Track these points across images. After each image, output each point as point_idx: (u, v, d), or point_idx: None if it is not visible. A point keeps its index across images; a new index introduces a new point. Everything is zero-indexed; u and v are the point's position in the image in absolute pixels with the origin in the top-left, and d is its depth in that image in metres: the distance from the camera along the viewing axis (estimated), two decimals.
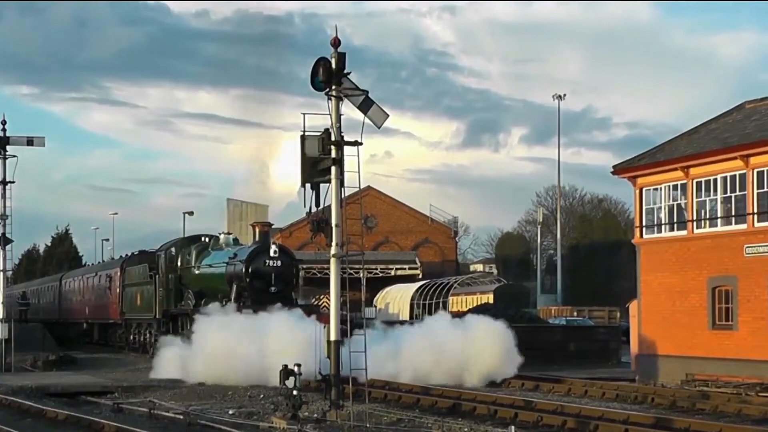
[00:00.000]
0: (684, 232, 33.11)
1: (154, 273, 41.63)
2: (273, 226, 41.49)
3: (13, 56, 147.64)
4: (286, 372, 20.82)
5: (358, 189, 22.14)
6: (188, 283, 39.45)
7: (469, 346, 31.13)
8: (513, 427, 18.53)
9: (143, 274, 43.61)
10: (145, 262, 43.74)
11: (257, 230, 36.25)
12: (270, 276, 34.49)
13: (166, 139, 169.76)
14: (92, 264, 72.35)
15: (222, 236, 39.30)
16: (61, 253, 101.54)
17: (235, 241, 39.18)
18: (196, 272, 38.78)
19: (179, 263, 40.28)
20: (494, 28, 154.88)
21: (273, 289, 34.41)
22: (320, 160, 22.07)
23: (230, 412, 23.39)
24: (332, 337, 21.83)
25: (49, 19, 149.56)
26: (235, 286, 35.11)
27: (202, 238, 40.42)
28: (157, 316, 41.16)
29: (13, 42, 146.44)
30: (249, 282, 34.63)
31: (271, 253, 34.46)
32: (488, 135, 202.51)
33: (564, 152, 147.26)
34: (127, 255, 49.95)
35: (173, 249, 40.98)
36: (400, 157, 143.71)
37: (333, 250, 21.95)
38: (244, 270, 34.72)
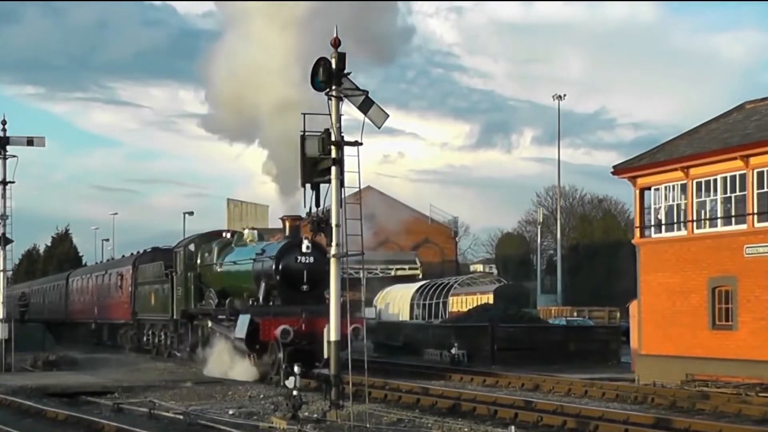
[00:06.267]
0: (684, 233, 33.10)
1: (170, 271, 39.59)
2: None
3: (28, 57, 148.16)
4: (286, 372, 20.84)
5: (358, 189, 22.11)
6: (209, 282, 36.86)
7: None
8: (513, 427, 18.53)
9: (158, 272, 41.76)
10: (160, 259, 41.94)
11: (287, 224, 33.05)
12: (302, 274, 31.39)
13: (169, 139, 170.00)
14: (100, 262, 71.33)
15: (246, 231, 36.67)
16: (61, 254, 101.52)
17: (260, 236, 36.45)
18: (219, 270, 36.34)
19: (199, 260, 37.89)
20: (500, 29, 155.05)
21: (305, 287, 31.32)
22: (320, 160, 22.06)
23: (230, 412, 23.36)
24: (332, 338, 21.83)
25: (69, 20, 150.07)
26: (263, 285, 32.38)
27: (224, 234, 38.29)
28: (174, 317, 39.20)
29: (31, 43, 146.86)
30: (279, 280, 31.84)
31: (304, 249, 31.39)
32: (501, 136, 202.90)
33: (574, 152, 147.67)
34: (138, 252, 48.06)
35: (192, 245, 38.62)
36: (406, 158, 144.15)
37: (333, 251, 21.95)
38: (274, 267, 31.89)
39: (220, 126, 36.83)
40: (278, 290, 32.03)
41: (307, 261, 31.45)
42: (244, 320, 31.05)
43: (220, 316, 33.86)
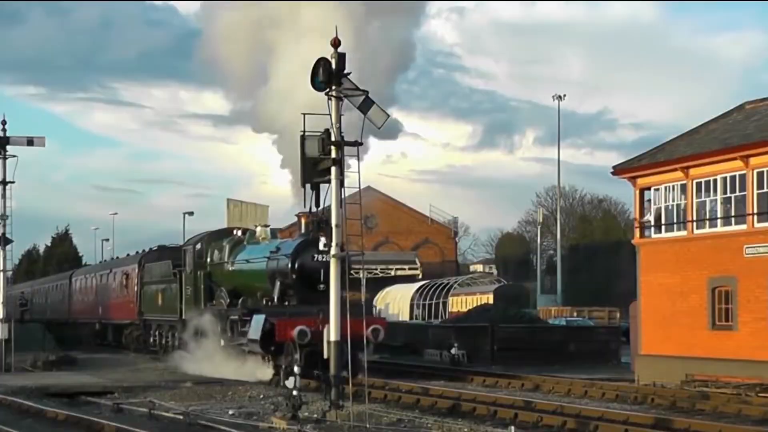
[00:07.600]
0: (684, 233, 33.10)
1: (179, 270, 38.44)
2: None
3: (31, 57, 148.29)
4: (286, 372, 20.85)
5: (358, 189, 22.09)
6: (220, 281, 35.57)
7: None
8: (513, 427, 18.54)
9: (166, 271, 40.69)
10: (168, 258, 40.88)
11: (303, 221, 31.27)
12: (319, 272, 29.48)
13: (170, 139, 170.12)
14: (101, 262, 70.83)
15: (259, 229, 35.41)
16: (61, 254, 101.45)
17: (273, 234, 35.20)
18: (231, 268, 35.11)
19: (209, 259, 36.69)
20: (501, 30, 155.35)
21: (322, 287, 28.82)
22: (320, 160, 22.05)
23: (230, 412, 23.37)
24: (332, 338, 21.82)
25: (72, 20, 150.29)
26: (278, 284, 31.11)
27: (234, 232, 36.84)
28: (183, 317, 37.70)
29: (34, 43, 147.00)
30: (295, 279, 30.59)
31: (321, 247, 28.90)
32: (504, 136, 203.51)
33: (576, 153, 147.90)
34: (144, 251, 47.10)
35: (202, 243, 37.41)
36: (408, 158, 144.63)
37: (333, 251, 21.95)
38: (289, 265, 30.65)
39: (242, 115, 35.97)
40: (294, 289, 30.86)
41: (325, 259, 28.72)
42: (258, 320, 30.07)
43: (232, 317, 32.80)
